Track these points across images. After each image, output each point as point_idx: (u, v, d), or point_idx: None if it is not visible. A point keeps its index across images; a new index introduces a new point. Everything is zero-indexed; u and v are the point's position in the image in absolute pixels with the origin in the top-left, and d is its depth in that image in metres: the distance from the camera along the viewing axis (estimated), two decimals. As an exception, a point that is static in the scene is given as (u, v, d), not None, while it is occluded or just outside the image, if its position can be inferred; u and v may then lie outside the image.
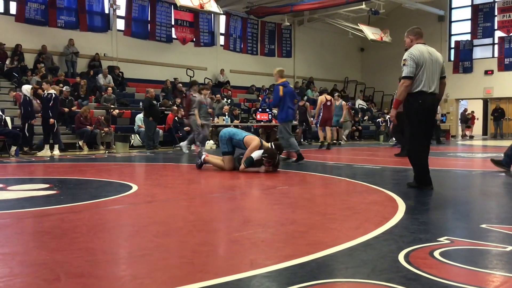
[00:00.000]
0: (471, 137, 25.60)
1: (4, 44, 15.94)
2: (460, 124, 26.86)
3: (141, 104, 15.93)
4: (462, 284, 2.25)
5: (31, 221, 3.85)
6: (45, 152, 11.80)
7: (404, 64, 5.22)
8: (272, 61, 24.79)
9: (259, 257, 2.72)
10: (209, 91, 12.35)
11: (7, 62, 15.85)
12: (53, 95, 11.77)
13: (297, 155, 9.07)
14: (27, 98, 11.64)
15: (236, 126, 16.78)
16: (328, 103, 14.06)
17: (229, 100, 19.20)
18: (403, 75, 5.22)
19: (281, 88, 9.00)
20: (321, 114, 14.12)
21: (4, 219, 3.87)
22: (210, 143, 15.28)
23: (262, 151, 7.26)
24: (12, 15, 16.66)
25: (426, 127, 5.33)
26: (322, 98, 14.16)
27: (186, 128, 15.05)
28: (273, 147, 7.41)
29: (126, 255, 2.84)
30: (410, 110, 5.29)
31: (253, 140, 7.41)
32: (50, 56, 17.00)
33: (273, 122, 17.10)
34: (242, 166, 7.27)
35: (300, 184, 6.36)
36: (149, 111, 14.04)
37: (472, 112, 27.19)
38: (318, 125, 14.48)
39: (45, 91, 11.88)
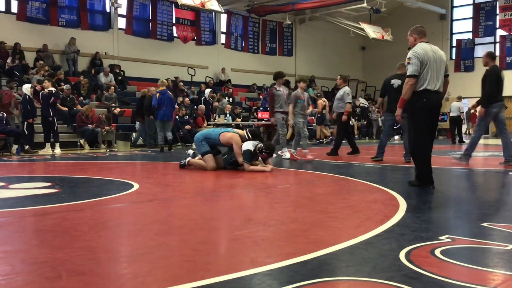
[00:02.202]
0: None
1: (6, 43, 15.96)
2: (467, 123, 26.63)
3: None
4: (463, 283, 2.25)
5: (33, 219, 3.85)
6: (46, 150, 11.82)
7: (408, 63, 5.22)
8: (273, 60, 24.77)
9: (260, 255, 2.73)
10: (305, 84, 10.10)
11: (8, 60, 15.85)
12: (53, 92, 11.82)
13: (160, 147, 12.51)
14: (27, 97, 11.67)
15: (237, 125, 16.82)
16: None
17: (231, 98, 19.20)
18: (408, 73, 5.22)
19: (157, 94, 12.44)
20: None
21: (6, 217, 3.88)
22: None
23: (253, 142, 7.25)
24: (14, 13, 16.68)
25: (430, 126, 5.33)
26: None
27: (187, 127, 15.07)
28: (249, 135, 7.44)
29: (127, 254, 2.84)
30: (414, 108, 5.29)
31: (231, 138, 7.32)
32: (51, 55, 17.00)
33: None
34: (246, 166, 7.19)
35: (300, 183, 6.35)
36: (150, 109, 14.04)
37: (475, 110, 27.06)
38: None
39: (45, 89, 11.87)
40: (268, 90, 10.45)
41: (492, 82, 8.00)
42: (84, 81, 16.29)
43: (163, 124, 12.60)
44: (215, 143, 7.47)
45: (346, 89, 10.51)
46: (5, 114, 11.77)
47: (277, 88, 9.86)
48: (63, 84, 14.96)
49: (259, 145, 7.25)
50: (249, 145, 7.22)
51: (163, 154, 11.73)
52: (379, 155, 9.06)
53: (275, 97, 9.78)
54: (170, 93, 12.75)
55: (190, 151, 8.24)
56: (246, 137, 7.45)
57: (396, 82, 8.73)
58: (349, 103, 10.38)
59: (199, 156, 7.75)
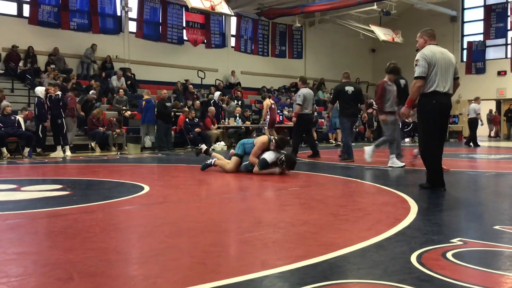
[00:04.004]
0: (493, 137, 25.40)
1: (18, 47, 16.12)
2: (488, 124, 26.29)
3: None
4: (475, 286, 2.23)
5: (45, 221, 3.88)
6: (58, 153, 11.90)
7: (416, 65, 5.23)
8: (283, 63, 24.78)
9: (271, 257, 2.72)
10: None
11: (21, 64, 16.01)
12: (60, 96, 11.96)
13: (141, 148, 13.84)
14: (41, 100, 11.76)
15: (247, 128, 16.83)
16: (273, 106, 15.15)
17: (240, 101, 19.22)
18: (415, 75, 5.24)
19: (144, 102, 14.33)
20: (268, 117, 14.96)
21: (18, 219, 3.91)
22: (221, 144, 15.36)
23: (275, 154, 7.13)
24: (26, 17, 16.83)
25: (440, 128, 5.31)
26: (267, 102, 15.01)
27: (197, 129, 15.10)
28: (276, 142, 7.23)
29: (138, 255, 2.85)
30: (424, 110, 5.28)
31: (259, 139, 7.40)
32: (62, 58, 17.13)
33: (284, 124, 17.14)
34: (256, 169, 7.14)
35: (311, 185, 6.34)
36: (161, 113, 14.28)
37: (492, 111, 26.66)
38: (267, 127, 15.06)
39: (54, 93, 11.97)
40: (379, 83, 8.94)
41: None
42: (96, 84, 16.40)
43: (147, 127, 14.49)
44: (250, 149, 7.38)
45: (301, 91, 10.54)
46: (17, 117, 11.88)
47: (388, 83, 8.62)
48: (74, 84, 15.04)
49: (282, 157, 7.09)
50: (271, 155, 7.11)
51: (175, 156, 11.78)
52: (349, 156, 9.61)
53: (385, 92, 8.52)
54: (154, 103, 14.58)
55: (203, 146, 8.43)
56: (271, 143, 7.26)
57: (350, 89, 9.71)
58: (299, 104, 10.41)
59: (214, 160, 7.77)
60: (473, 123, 16.73)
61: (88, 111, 14.34)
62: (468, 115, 17.28)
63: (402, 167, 8.20)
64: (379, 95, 8.59)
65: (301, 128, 10.71)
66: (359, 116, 9.97)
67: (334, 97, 10.10)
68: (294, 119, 10.55)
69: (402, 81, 8.93)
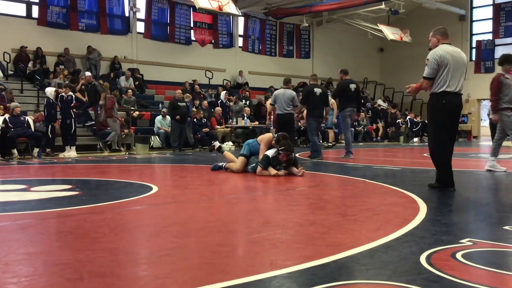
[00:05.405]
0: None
1: (27, 47, 16.22)
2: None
3: (160, 106, 16.12)
4: (485, 286, 2.22)
5: (54, 221, 3.91)
6: (67, 153, 11.97)
7: (426, 64, 5.21)
8: (291, 62, 24.75)
9: (279, 258, 2.72)
10: None
11: (30, 65, 16.11)
12: (73, 96, 12.08)
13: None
14: (50, 101, 11.86)
15: (254, 127, 16.84)
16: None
17: (247, 101, 19.20)
18: (423, 75, 5.23)
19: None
20: (272, 117, 14.81)
21: (28, 219, 3.94)
22: (229, 144, 15.37)
23: (275, 149, 7.10)
24: (35, 18, 16.94)
25: (450, 128, 5.28)
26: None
27: (205, 130, 15.12)
28: (277, 136, 7.22)
29: (147, 255, 2.86)
30: (434, 110, 5.25)
31: (263, 137, 7.47)
32: (71, 59, 17.21)
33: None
34: (259, 169, 7.07)
35: (319, 185, 6.33)
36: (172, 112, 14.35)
37: None
38: (272, 126, 14.79)
39: (66, 94, 12.09)
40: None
41: (340, 92, 10.30)
42: (105, 85, 16.45)
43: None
44: (254, 148, 7.47)
45: (275, 91, 10.86)
46: (26, 118, 11.97)
47: (505, 75, 7.30)
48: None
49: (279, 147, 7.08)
50: (271, 151, 7.12)
51: (183, 156, 11.81)
52: (317, 154, 10.18)
53: (502, 87, 7.18)
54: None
55: (217, 143, 8.65)
56: (274, 140, 7.26)
57: (318, 91, 10.18)
58: (270, 104, 10.85)
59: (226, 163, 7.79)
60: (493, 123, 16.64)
61: (91, 94, 14.32)
62: (488, 114, 17.18)
63: (504, 171, 7.29)
64: (495, 90, 7.19)
65: (280, 128, 10.49)
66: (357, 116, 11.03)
67: (304, 98, 10.50)
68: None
69: (353, 86, 10.17)
